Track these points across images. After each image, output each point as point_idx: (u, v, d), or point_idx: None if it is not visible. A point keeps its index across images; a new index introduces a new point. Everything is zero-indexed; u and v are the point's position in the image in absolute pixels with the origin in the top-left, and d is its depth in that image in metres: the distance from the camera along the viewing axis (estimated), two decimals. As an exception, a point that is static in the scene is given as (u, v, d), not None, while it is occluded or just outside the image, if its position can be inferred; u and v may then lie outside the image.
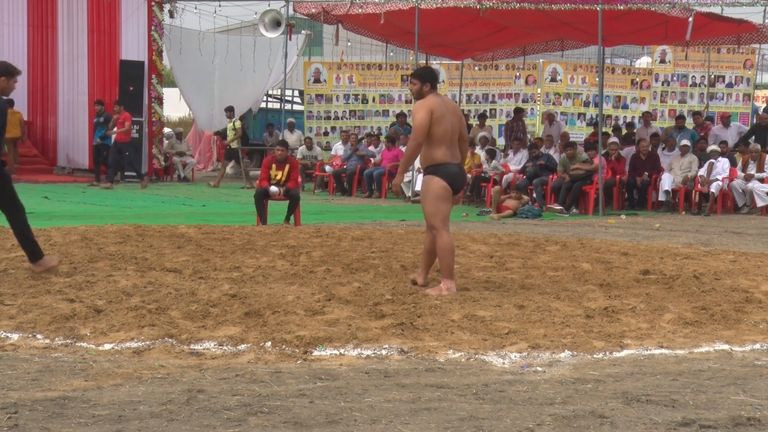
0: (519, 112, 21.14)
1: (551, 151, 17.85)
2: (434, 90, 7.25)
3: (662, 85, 22.71)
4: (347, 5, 18.26)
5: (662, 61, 22.79)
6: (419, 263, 7.61)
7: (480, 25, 18.07)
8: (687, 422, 4.08)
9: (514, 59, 23.09)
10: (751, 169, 16.08)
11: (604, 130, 18.92)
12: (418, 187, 17.92)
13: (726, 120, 19.56)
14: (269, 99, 26.54)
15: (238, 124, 20.71)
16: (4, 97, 7.58)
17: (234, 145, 20.92)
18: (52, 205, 14.85)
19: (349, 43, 26.05)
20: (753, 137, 17.78)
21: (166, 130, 23.37)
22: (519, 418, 4.11)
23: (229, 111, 21.03)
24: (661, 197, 16.31)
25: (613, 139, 17.66)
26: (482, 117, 21.22)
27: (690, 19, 15.21)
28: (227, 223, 11.96)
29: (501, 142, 21.23)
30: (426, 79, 7.24)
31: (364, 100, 22.66)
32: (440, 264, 7.12)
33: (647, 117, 20.08)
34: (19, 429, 3.88)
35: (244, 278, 7.38)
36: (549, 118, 20.55)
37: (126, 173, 20.91)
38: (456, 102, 22.54)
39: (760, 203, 15.70)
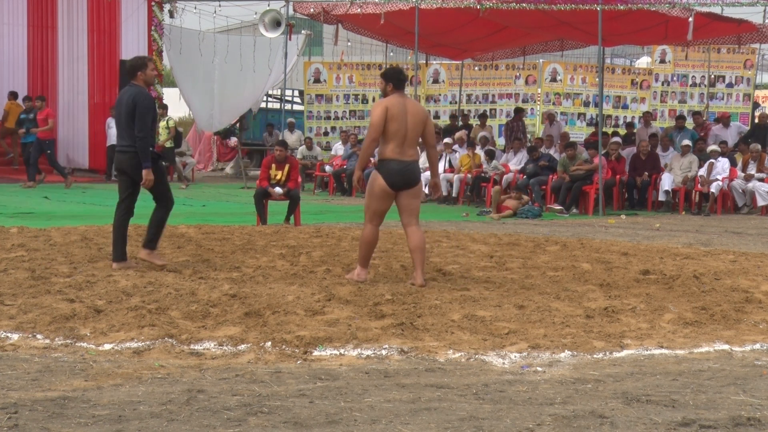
0: (519, 112, 21.15)
1: (551, 151, 17.85)
2: (398, 90, 7.49)
3: (662, 85, 22.70)
4: (347, 5, 18.26)
5: (662, 61, 22.78)
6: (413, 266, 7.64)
7: (480, 25, 18.07)
8: (687, 422, 4.08)
9: (514, 59, 23.09)
10: (751, 169, 16.07)
11: (606, 130, 18.94)
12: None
13: (726, 120, 19.56)
14: (269, 99, 26.54)
15: (171, 123, 19.95)
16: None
17: (168, 144, 19.84)
18: (52, 205, 14.86)
19: (349, 43, 26.05)
20: (753, 137, 17.79)
21: (166, 130, 23.33)
22: (519, 418, 4.11)
23: (161, 109, 19.98)
24: (661, 197, 16.31)
25: (616, 138, 17.64)
26: (483, 117, 21.21)
27: (690, 19, 15.22)
28: (227, 223, 11.96)
29: (501, 142, 21.23)
30: (389, 79, 7.50)
31: (364, 100, 22.65)
32: (359, 251, 7.58)
33: (647, 117, 20.08)
34: (19, 429, 3.88)
35: (244, 278, 7.37)
36: (549, 118, 20.56)
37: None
38: (457, 102, 22.61)
39: (761, 202, 15.69)
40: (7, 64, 22.74)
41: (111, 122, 20.79)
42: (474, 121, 21.49)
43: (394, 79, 7.51)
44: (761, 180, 15.91)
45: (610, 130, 19.94)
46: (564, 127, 20.86)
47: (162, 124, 19.78)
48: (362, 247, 7.53)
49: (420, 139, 7.65)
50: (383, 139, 7.45)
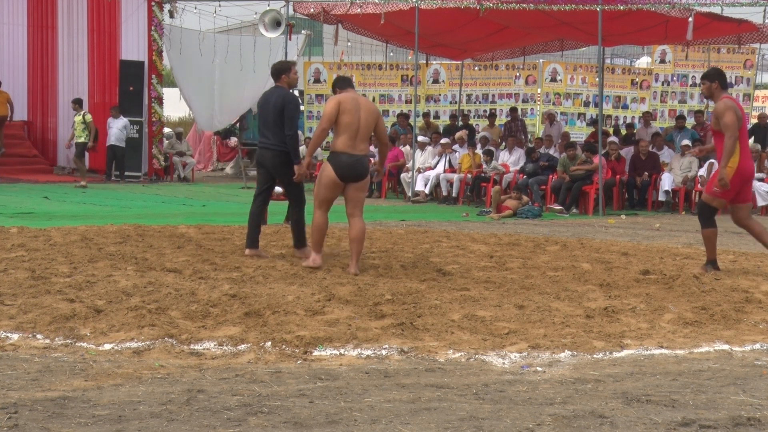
0: (513, 112, 21.22)
1: (551, 151, 17.85)
2: (348, 89, 8.17)
3: (662, 85, 22.69)
4: (347, 5, 18.26)
5: (662, 61, 22.78)
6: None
7: (480, 25, 18.07)
8: (687, 422, 4.08)
9: (514, 59, 23.09)
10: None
11: (606, 129, 18.92)
12: (418, 188, 17.98)
13: None
14: (269, 99, 26.50)
15: (88, 117, 19.66)
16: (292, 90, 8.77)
17: (82, 139, 19.49)
18: (52, 205, 14.85)
19: (349, 43, 26.04)
20: (752, 137, 17.78)
21: (166, 130, 23.36)
22: (519, 418, 4.11)
23: (76, 104, 19.83)
24: (661, 197, 16.31)
25: (612, 138, 17.62)
26: (491, 117, 21.24)
27: (690, 19, 15.22)
28: (227, 223, 11.96)
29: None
30: (335, 86, 8.32)
31: (364, 100, 22.62)
32: (312, 238, 8.09)
33: (647, 117, 20.08)
34: (19, 429, 3.88)
35: (244, 278, 7.37)
36: (549, 118, 20.57)
37: (126, 173, 20.91)
38: (457, 102, 22.62)
39: (760, 203, 15.69)
40: (7, 64, 22.76)
41: (111, 122, 20.82)
42: (480, 122, 21.53)
43: (339, 82, 8.27)
44: (761, 180, 15.91)
45: (611, 130, 19.95)
46: (564, 127, 20.87)
47: (78, 119, 19.59)
48: (314, 234, 8.05)
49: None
50: (336, 132, 7.95)
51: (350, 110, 7.85)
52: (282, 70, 8.69)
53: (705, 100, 22.50)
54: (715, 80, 8.40)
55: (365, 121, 7.90)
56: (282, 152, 8.44)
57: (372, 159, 19.64)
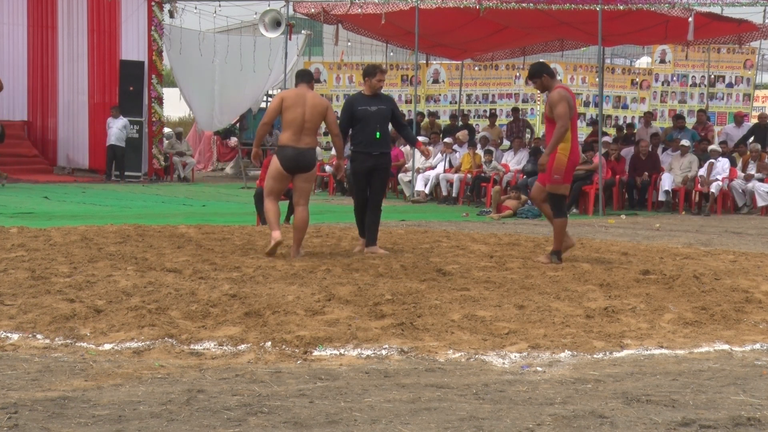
0: (515, 112, 21.22)
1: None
2: (303, 84, 8.67)
3: (662, 85, 22.70)
4: (347, 5, 18.25)
5: (662, 61, 22.78)
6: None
7: (480, 25, 18.07)
8: (687, 422, 4.08)
9: (514, 59, 23.08)
10: (751, 170, 16.07)
11: (606, 130, 18.90)
12: (418, 188, 17.99)
13: (739, 119, 19.45)
14: (269, 99, 26.54)
15: None
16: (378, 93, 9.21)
17: None
18: (52, 205, 14.86)
19: (349, 43, 26.04)
20: (753, 137, 17.78)
21: (166, 130, 23.37)
22: (519, 418, 4.11)
23: None
24: (661, 197, 16.30)
25: (606, 138, 17.55)
26: (492, 117, 21.23)
27: (690, 19, 15.21)
28: (227, 223, 11.97)
29: (505, 143, 21.23)
30: (297, 78, 8.85)
31: (364, 100, 22.62)
32: (267, 221, 8.74)
33: (648, 117, 20.08)
34: (19, 429, 3.88)
35: (244, 278, 7.37)
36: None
37: (127, 173, 20.92)
38: (457, 102, 22.62)
39: (760, 203, 15.70)
40: (7, 64, 22.75)
41: (111, 122, 20.84)
42: (479, 122, 21.52)
43: (297, 77, 8.82)
44: (761, 180, 15.91)
45: (612, 131, 19.95)
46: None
47: None
48: (268, 216, 8.69)
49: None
50: (282, 126, 8.53)
51: (293, 106, 8.38)
52: (368, 74, 9.18)
53: (705, 100, 22.52)
54: (542, 74, 8.74)
55: (310, 115, 8.41)
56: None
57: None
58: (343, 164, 9.63)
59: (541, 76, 8.72)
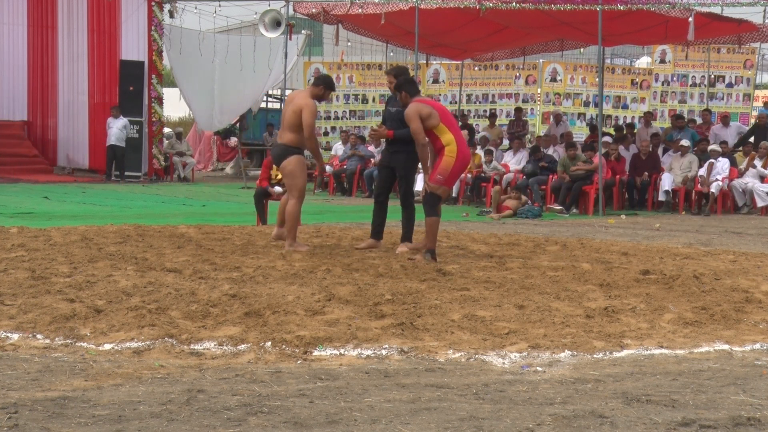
0: (518, 112, 21.21)
1: (550, 151, 17.84)
2: (310, 86, 9.26)
3: (662, 85, 22.70)
4: (347, 5, 18.26)
5: (662, 61, 22.78)
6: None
7: (480, 25, 18.07)
8: (687, 422, 4.08)
9: (514, 59, 23.08)
10: (758, 166, 16.05)
11: (607, 130, 18.89)
12: (418, 187, 17.93)
13: (725, 119, 19.53)
14: (269, 99, 26.55)
15: None
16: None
17: None
18: (52, 205, 14.86)
19: (349, 43, 26.03)
20: (753, 137, 17.77)
21: (166, 130, 23.37)
22: (519, 418, 4.11)
23: None
24: (661, 197, 16.30)
25: (605, 138, 17.55)
26: (492, 117, 21.23)
27: (690, 19, 15.21)
28: (227, 223, 11.96)
29: (506, 142, 21.23)
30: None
31: (364, 100, 22.65)
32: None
33: (648, 117, 20.07)
34: (19, 429, 3.88)
35: (244, 278, 7.37)
36: (557, 118, 20.55)
37: (127, 172, 20.92)
38: (457, 102, 22.61)
39: (760, 203, 15.70)
40: (7, 64, 22.76)
41: (111, 122, 20.84)
42: (479, 121, 21.51)
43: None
44: (761, 180, 15.91)
45: (611, 131, 19.94)
46: (568, 127, 20.87)
47: None
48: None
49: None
50: None
51: (285, 104, 9.26)
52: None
53: (705, 100, 22.53)
54: (401, 90, 8.77)
55: (289, 113, 8.95)
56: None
57: (371, 159, 19.79)
58: (321, 165, 10.42)
59: (400, 91, 8.75)
